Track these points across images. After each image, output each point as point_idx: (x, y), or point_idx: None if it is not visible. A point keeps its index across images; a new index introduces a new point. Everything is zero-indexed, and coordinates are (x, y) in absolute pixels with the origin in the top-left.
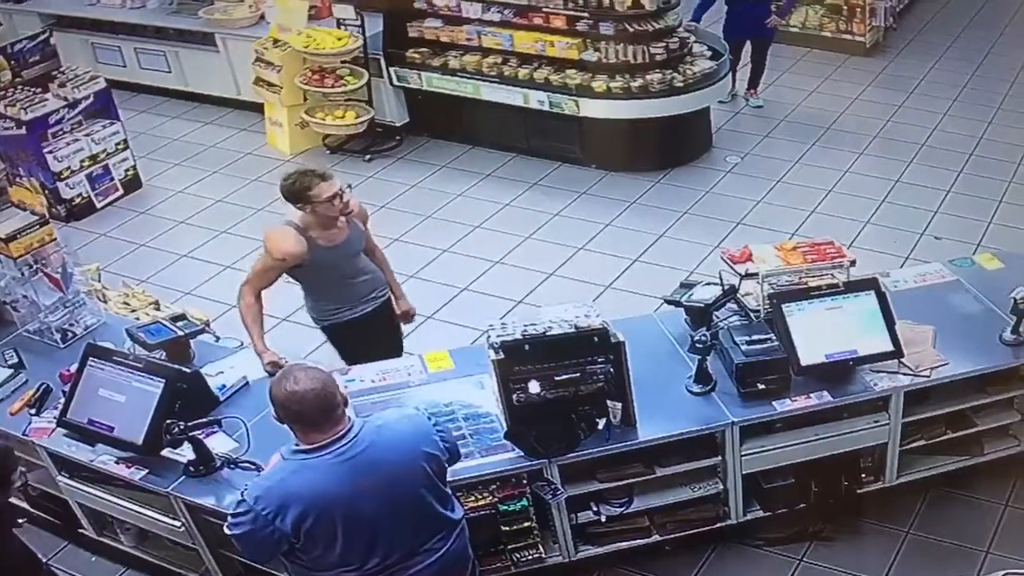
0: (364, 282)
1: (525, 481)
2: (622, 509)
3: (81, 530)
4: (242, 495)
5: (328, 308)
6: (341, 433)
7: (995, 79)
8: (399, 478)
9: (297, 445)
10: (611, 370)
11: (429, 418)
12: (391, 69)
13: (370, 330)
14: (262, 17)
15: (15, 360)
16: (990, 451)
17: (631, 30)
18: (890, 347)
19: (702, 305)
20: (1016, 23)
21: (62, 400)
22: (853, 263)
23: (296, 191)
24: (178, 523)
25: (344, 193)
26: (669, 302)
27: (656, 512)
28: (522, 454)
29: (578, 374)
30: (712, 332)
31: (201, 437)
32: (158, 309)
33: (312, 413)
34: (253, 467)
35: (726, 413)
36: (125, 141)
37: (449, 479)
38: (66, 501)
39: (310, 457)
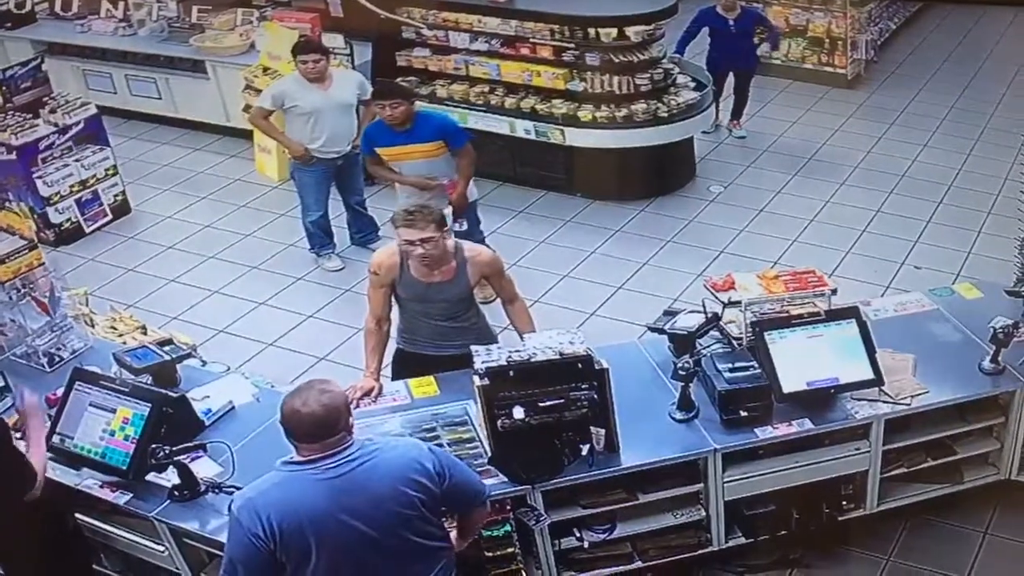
0: (441, 328)
1: (509, 507)
2: (605, 535)
3: None
4: (230, 506)
5: (400, 328)
6: (334, 451)
7: (974, 111)
8: (383, 503)
9: (291, 457)
10: (595, 396)
11: (431, 450)
12: None
13: (419, 369)
14: (252, 45)
15: (1, 384)
16: (970, 479)
17: (616, 61)
18: (871, 375)
19: (685, 333)
20: (994, 57)
21: (48, 424)
22: (834, 292)
23: (393, 219)
24: (162, 548)
25: (419, 246)
26: (653, 329)
27: (639, 538)
28: (506, 480)
29: (562, 400)
30: (695, 359)
31: (186, 462)
32: (145, 333)
33: (304, 433)
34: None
35: (708, 440)
36: (115, 167)
37: None
38: None
39: (297, 470)
